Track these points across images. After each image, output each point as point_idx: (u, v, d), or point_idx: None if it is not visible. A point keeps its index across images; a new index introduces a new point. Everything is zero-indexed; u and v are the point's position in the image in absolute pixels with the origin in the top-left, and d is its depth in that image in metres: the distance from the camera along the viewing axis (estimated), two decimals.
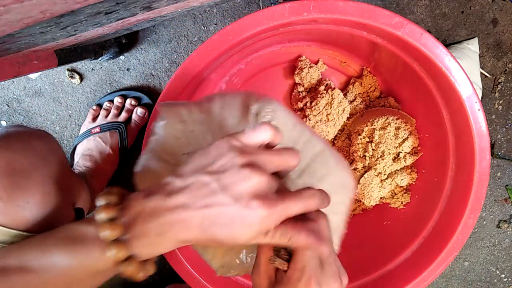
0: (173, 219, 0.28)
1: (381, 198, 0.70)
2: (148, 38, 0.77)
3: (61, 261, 0.29)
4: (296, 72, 0.70)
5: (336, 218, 0.42)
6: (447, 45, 0.77)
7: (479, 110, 0.50)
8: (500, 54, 0.77)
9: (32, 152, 0.36)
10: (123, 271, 0.29)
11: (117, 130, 0.73)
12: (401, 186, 0.69)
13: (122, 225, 0.28)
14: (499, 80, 0.78)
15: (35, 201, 0.34)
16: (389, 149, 0.66)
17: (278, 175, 0.31)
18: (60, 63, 0.56)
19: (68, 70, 0.78)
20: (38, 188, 0.35)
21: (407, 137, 0.66)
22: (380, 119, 0.65)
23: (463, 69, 0.50)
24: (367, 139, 0.67)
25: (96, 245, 0.29)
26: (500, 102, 0.79)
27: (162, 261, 0.83)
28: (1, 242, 0.33)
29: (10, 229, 0.33)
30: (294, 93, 0.72)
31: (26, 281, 0.28)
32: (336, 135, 0.73)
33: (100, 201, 0.30)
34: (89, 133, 0.73)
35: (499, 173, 0.82)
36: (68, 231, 0.30)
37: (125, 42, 0.74)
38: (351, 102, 0.71)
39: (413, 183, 0.68)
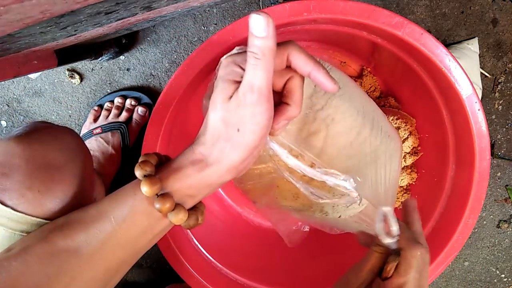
0: (200, 177, 0.30)
1: None
2: (148, 38, 0.77)
3: (116, 217, 0.31)
4: None
5: None
6: (447, 45, 0.77)
7: (479, 110, 0.50)
8: (500, 54, 0.77)
9: (63, 146, 0.36)
10: (173, 220, 0.31)
11: (119, 130, 0.73)
12: (401, 186, 0.69)
13: (160, 179, 0.30)
14: (499, 80, 0.78)
15: (71, 193, 0.35)
16: None
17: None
18: (60, 63, 0.56)
19: (68, 70, 0.78)
20: (73, 181, 0.35)
21: (407, 137, 0.66)
22: None
23: (463, 69, 0.50)
24: None
25: (144, 201, 0.31)
26: (500, 102, 0.79)
27: (162, 261, 0.83)
28: (26, 232, 0.33)
29: (39, 218, 0.33)
30: None
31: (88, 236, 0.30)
32: None
33: (140, 159, 0.32)
34: (90, 133, 0.73)
35: (499, 173, 0.82)
36: (119, 194, 0.32)
37: (125, 42, 0.74)
38: None
39: (413, 183, 0.68)
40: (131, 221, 0.31)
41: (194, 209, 0.33)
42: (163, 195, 0.30)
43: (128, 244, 0.31)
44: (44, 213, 0.33)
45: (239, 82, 0.28)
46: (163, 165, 0.32)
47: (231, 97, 0.28)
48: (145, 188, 0.30)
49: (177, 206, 0.31)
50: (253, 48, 0.26)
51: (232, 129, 0.28)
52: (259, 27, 0.25)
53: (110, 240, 0.30)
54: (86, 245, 0.30)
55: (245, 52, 0.28)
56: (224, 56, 0.30)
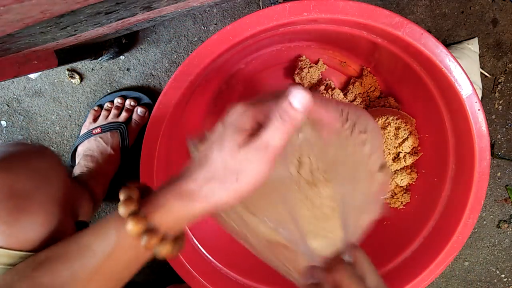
0: (186, 208, 0.31)
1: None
2: (148, 38, 0.77)
3: (101, 252, 0.31)
4: (296, 72, 0.70)
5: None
6: (447, 45, 0.77)
7: (479, 110, 0.50)
8: (500, 54, 0.77)
9: (34, 173, 0.36)
10: (158, 254, 0.31)
11: (118, 130, 0.73)
12: (401, 186, 0.69)
13: (145, 216, 0.30)
14: (499, 80, 0.78)
15: (39, 221, 0.34)
16: (389, 149, 0.66)
17: None
18: (60, 63, 0.56)
19: (68, 70, 0.78)
20: (42, 208, 0.35)
21: (407, 137, 0.66)
22: (380, 119, 0.65)
23: (463, 69, 0.50)
24: None
25: (129, 236, 0.31)
26: (500, 102, 0.79)
27: (162, 261, 0.83)
28: (8, 264, 0.33)
29: (16, 251, 0.33)
30: None
31: (72, 269, 0.30)
32: None
33: (121, 196, 0.32)
34: (90, 133, 0.73)
35: (499, 173, 0.82)
36: (101, 228, 0.32)
37: (125, 42, 0.74)
38: (351, 102, 0.71)
39: (413, 183, 0.68)
40: (116, 256, 0.31)
41: (175, 238, 0.33)
42: (150, 231, 0.30)
43: (114, 276, 0.32)
44: (19, 245, 0.33)
45: (248, 133, 0.29)
46: (147, 198, 0.32)
47: (240, 144, 0.29)
48: (130, 227, 0.30)
49: (162, 240, 0.31)
50: (284, 114, 0.28)
51: (231, 174, 0.29)
52: (300, 101, 0.27)
53: (96, 275, 0.31)
54: (71, 281, 0.30)
55: (259, 105, 0.29)
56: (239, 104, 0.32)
